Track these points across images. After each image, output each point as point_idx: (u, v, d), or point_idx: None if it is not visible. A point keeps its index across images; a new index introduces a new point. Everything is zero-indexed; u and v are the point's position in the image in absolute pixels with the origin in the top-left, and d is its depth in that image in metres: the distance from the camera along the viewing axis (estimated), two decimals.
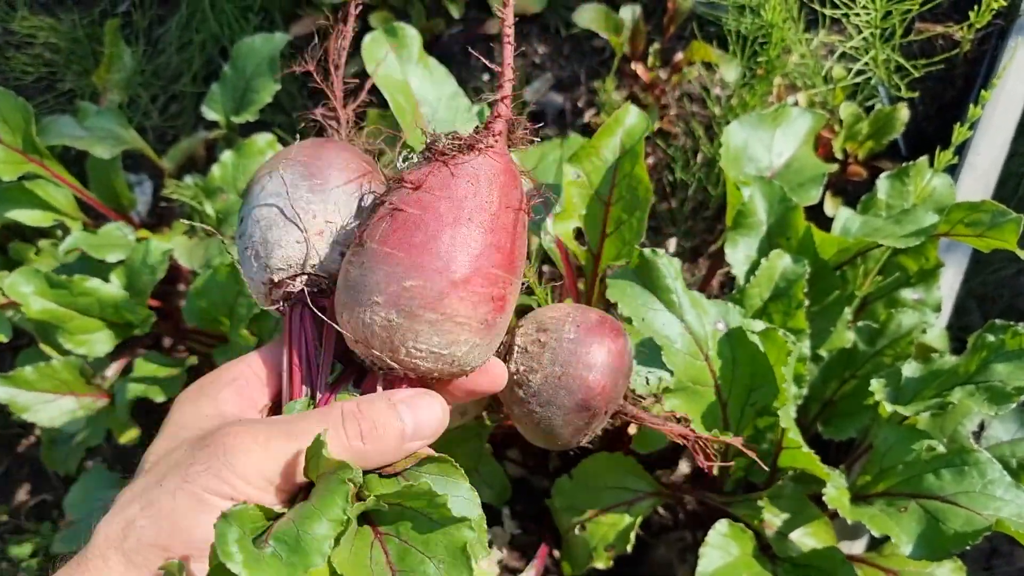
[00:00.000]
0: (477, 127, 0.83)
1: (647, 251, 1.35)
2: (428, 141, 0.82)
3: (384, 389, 0.81)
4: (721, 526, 1.35)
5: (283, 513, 0.68)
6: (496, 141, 0.82)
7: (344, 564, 0.67)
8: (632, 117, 1.49)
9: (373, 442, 0.72)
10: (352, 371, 0.86)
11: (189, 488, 0.66)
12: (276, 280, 0.85)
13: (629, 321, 1.35)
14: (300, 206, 0.85)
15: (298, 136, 0.97)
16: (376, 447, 0.73)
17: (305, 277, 0.86)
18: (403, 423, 0.75)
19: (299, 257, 0.85)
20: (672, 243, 2.13)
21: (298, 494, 0.72)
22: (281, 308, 0.87)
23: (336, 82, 1.01)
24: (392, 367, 0.80)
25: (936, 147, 2.10)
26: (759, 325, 1.34)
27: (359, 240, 0.79)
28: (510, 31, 0.83)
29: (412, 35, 1.58)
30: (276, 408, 0.85)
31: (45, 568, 2.17)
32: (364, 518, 0.73)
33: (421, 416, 0.77)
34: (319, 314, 0.84)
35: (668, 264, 1.36)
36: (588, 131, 2.22)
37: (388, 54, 1.54)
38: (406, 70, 1.56)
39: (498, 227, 0.79)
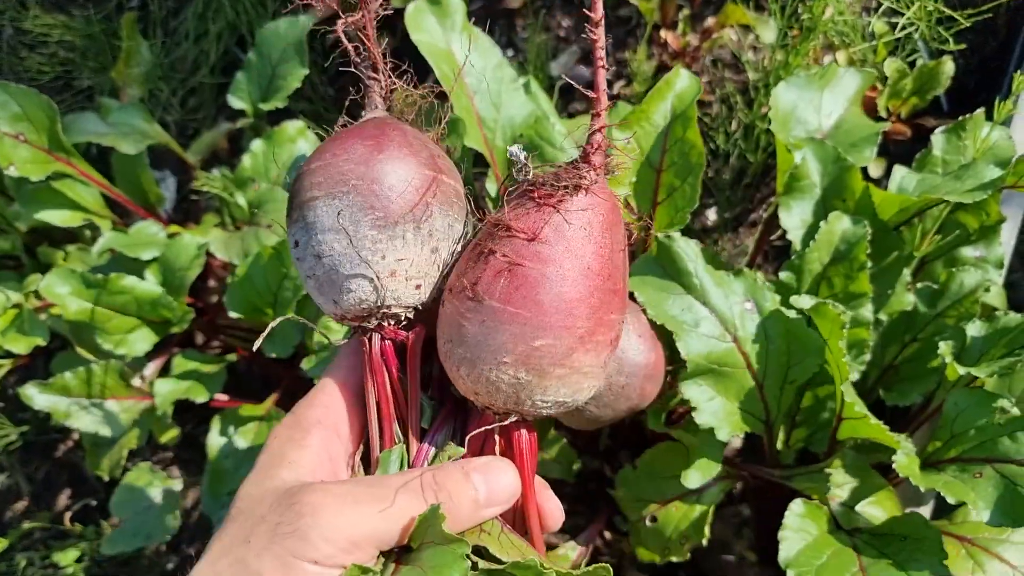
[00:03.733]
0: (573, 161, 0.78)
1: (661, 236, 1.31)
2: (524, 177, 0.78)
3: (498, 436, 0.82)
4: (796, 506, 1.31)
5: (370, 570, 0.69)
6: (598, 176, 0.78)
7: None
8: (683, 80, 1.45)
9: (450, 511, 0.72)
10: (446, 412, 0.84)
11: (275, 550, 0.67)
12: (349, 317, 0.81)
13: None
14: (366, 247, 0.77)
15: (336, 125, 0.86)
16: (452, 516, 0.72)
17: (380, 314, 0.81)
18: (477, 492, 0.76)
19: (372, 300, 0.79)
20: (711, 213, 2.08)
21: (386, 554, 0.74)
22: (356, 333, 0.82)
23: (373, 49, 0.87)
24: (512, 417, 0.79)
25: (978, 101, 2.05)
26: (808, 301, 1.28)
27: (472, 294, 0.75)
28: (602, 53, 0.77)
29: (456, 4, 1.54)
30: (366, 448, 0.83)
31: (91, 573, 2.15)
32: None
33: (494, 485, 0.78)
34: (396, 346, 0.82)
35: (686, 246, 1.32)
36: (620, 102, 2.16)
37: (431, 22, 1.49)
38: (450, 39, 1.51)
39: (613, 271, 0.78)
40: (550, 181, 0.76)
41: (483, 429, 0.81)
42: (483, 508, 0.77)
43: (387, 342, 0.81)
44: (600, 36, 0.76)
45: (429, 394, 0.86)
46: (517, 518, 0.84)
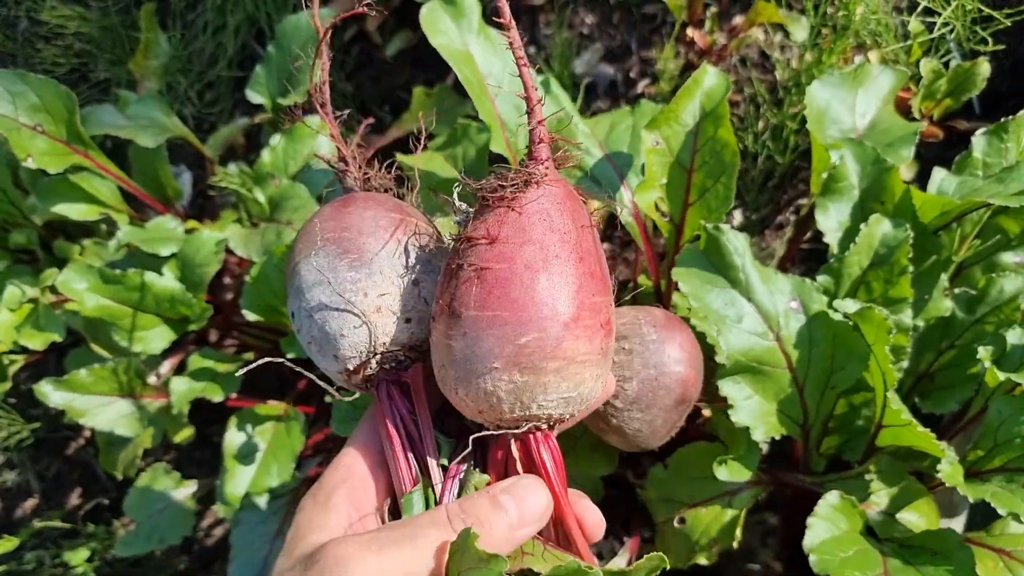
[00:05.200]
0: (522, 160, 0.79)
1: (710, 227, 1.28)
2: (478, 188, 0.77)
3: (517, 452, 0.80)
4: (832, 497, 1.28)
5: None
6: (547, 168, 0.78)
7: None
8: (711, 78, 1.42)
9: (484, 538, 0.69)
10: (464, 444, 0.81)
11: None
12: (351, 368, 0.81)
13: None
14: (347, 288, 0.79)
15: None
16: (487, 543, 0.70)
17: (379, 357, 0.81)
18: (508, 514, 0.74)
19: (366, 341, 0.80)
20: (737, 215, 2.04)
21: None
22: (366, 390, 0.83)
23: (326, 106, 0.90)
24: (523, 429, 0.77)
25: (1011, 105, 2.01)
26: (852, 305, 1.26)
27: (450, 311, 0.75)
28: (520, 52, 0.77)
29: (470, 3, 1.50)
30: (395, 500, 0.81)
31: (102, 572, 2.12)
32: None
33: (524, 503, 0.76)
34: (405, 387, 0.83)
35: (734, 239, 1.28)
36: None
37: (447, 23, 1.46)
38: (467, 40, 1.48)
39: (583, 252, 0.76)
40: (498, 184, 0.75)
41: (492, 443, 0.80)
42: (518, 530, 0.74)
43: (392, 385, 0.81)
44: (515, 37, 0.76)
45: (444, 431, 0.85)
46: (560, 533, 0.81)
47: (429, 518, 0.73)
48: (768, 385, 1.30)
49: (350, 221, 0.82)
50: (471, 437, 0.79)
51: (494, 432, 0.78)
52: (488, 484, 0.78)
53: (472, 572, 0.67)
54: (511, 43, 0.76)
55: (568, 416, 0.79)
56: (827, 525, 1.26)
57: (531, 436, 0.78)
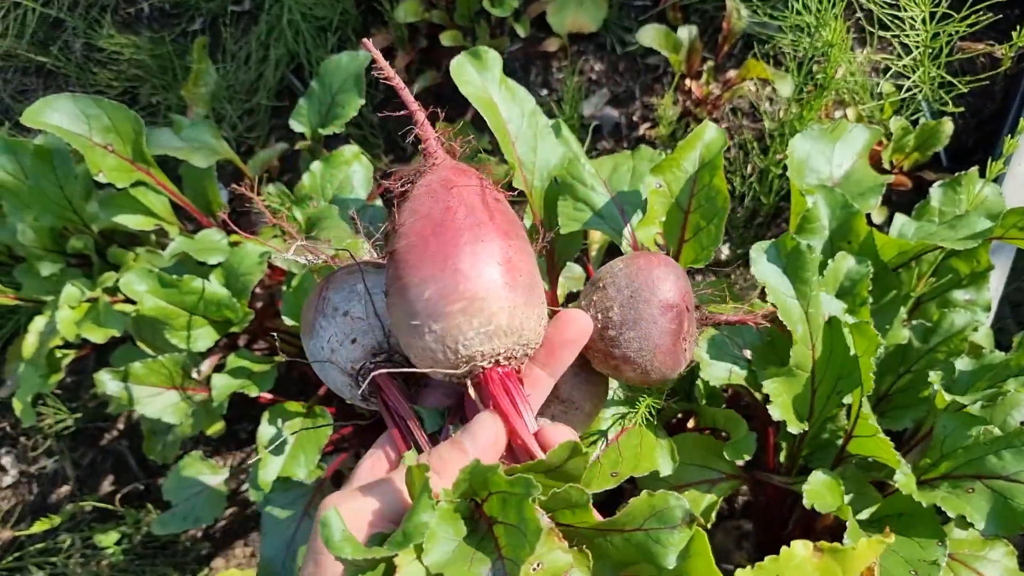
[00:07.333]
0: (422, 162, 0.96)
1: (796, 240, 1.43)
2: (388, 196, 0.95)
3: (473, 392, 0.91)
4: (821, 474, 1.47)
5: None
6: (435, 160, 0.94)
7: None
8: (711, 132, 1.62)
9: (445, 474, 0.83)
10: (449, 408, 0.97)
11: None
12: (351, 372, 0.98)
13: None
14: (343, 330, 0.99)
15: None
16: (449, 476, 0.82)
17: (368, 363, 0.97)
18: (466, 452, 0.85)
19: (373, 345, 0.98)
20: (726, 249, 2.25)
21: None
22: (365, 393, 0.98)
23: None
24: (466, 370, 0.88)
25: (975, 158, 2.23)
26: (851, 318, 1.45)
27: (387, 298, 0.91)
28: (400, 85, 0.95)
29: (494, 58, 1.71)
30: None
31: (129, 555, 2.30)
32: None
33: (477, 439, 0.86)
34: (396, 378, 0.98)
35: (812, 255, 1.43)
36: (644, 143, 2.34)
37: (473, 75, 1.67)
38: (490, 90, 1.69)
39: (470, 211, 0.89)
40: (403, 180, 0.93)
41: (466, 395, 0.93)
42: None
43: (392, 383, 0.97)
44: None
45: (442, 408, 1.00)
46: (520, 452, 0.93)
47: (399, 470, 0.85)
48: (792, 387, 1.46)
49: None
50: (460, 410, 0.96)
51: (443, 377, 0.91)
52: None
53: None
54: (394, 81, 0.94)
55: (514, 349, 0.88)
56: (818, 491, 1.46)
57: (481, 374, 0.88)
